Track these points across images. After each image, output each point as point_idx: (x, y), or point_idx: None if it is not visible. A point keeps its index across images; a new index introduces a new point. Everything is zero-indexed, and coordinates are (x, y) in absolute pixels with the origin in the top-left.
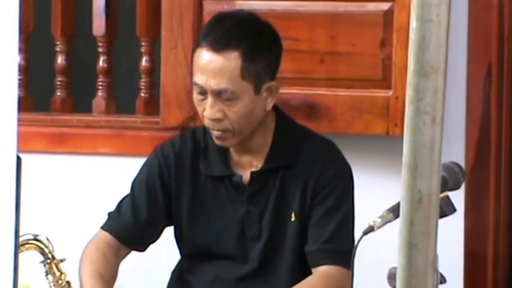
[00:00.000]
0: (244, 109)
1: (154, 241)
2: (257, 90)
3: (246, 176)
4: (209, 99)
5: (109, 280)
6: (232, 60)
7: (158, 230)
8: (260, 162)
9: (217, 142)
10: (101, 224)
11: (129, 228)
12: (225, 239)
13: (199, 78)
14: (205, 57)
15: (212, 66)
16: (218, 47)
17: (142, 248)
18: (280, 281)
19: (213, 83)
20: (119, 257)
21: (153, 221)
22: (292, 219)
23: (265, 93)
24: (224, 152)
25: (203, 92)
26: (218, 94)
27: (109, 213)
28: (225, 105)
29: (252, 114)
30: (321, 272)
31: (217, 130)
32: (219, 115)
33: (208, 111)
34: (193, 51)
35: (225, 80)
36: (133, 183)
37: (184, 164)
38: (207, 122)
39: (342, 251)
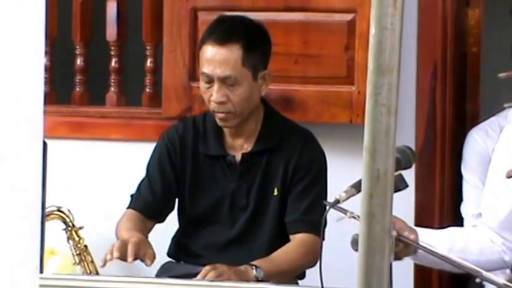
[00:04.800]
0: (244, 93)
1: (170, 211)
2: (255, 77)
3: (238, 156)
4: (215, 86)
5: (142, 232)
6: (234, 51)
7: (172, 201)
8: (250, 145)
9: (220, 123)
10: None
11: (150, 204)
12: (219, 209)
13: (206, 69)
14: (211, 50)
15: (218, 57)
16: (222, 41)
17: (162, 219)
18: (260, 246)
19: (219, 71)
20: (147, 228)
21: (167, 194)
22: (275, 193)
23: (260, 80)
24: (220, 136)
25: (209, 81)
26: (223, 80)
27: (131, 195)
28: (229, 90)
29: (250, 98)
30: (298, 239)
31: (222, 112)
32: (223, 99)
33: (214, 95)
34: (199, 49)
35: (229, 68)
36: (147, 166)
37: (186, 145)
38: (213, 106)
39: (316, 222)
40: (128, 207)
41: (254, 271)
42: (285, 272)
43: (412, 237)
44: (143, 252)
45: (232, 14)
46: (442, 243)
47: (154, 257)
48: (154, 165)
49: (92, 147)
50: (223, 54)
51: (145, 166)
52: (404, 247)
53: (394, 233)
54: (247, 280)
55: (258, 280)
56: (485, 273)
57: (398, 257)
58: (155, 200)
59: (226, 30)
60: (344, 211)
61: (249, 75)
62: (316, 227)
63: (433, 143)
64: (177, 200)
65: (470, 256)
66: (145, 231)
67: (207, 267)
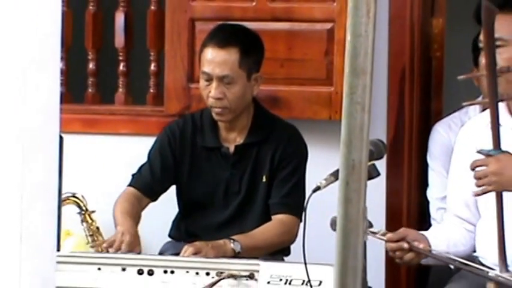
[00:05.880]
0: (239, 91)
1: (163, 192)
2: (248, 78)
3: (231, 148)
4: (214, 84)
5: (134, 218)
6: (232, 54)
7: (168, 184)
8: (242, 138)
9: (216, 117)
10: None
11: (148, 183)
12: (214, 194)
13: (207, 68)
14: (212, 53)
15: (217, 58)
16: (222, 44)
17: (155, 198)
18: (251, 226)
19: (218, 71)
20: (141, 205)
21: (164, 177)
22: (264, 180)
23: (253, 81)
24: (216, 130)
25: (209, 79)
26: (221, 79)
27: (133, 174)
28: (225, 88)
29: (244, 96)
30: (277, 219)
31: (218, 107)
32: (221, 95)
33: (213, 92)
34: (201, 51)
35: (227, 68)
36: (149, 152)
37: (186, 138)
38: (210, 102)
39: (294, 204)
40: (129, 185)
41: (232, 244)
42: (261, 248)
43: (423, 245)
44: (132, 247)
45: (232, 22)
46: (441, 242)
47: (140, 253)
48: (156, 151)
49: (103, 140)
50: (222, 56)
51: (144, 154)
52: (416, 255)
53: (406, 245)
54: (225, 252)
55: (235, 252)
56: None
57: (411, 264)
58: (154, 180)
59: (226, 36)
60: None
61: (244, 76)
62: (294, 209)
63: (402, 137)
64: (175, 186)
65: (460, 248)
66: (140, 209)
67: (186, 246)
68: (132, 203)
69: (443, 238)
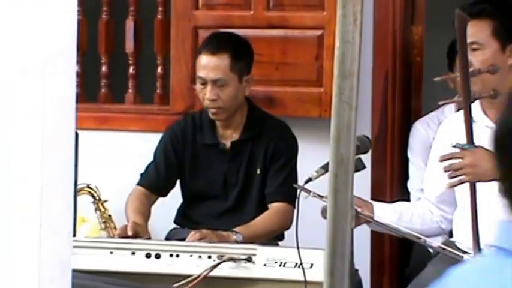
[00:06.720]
0: (231, 93)
1: (172, 188)
2: (240, 80)
3: (228, 144)
4: (208, 87)
5: (144, 215)
6: (224, 59)
7: (174, 180)
8: (237, 134)
9: (212, 117)
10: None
11: (155, 181)
12: (214, 186)
13: (201, 73)
14: (205, 59)
15: (211, 64)
16: (214, 51)
17: (165, 194)
18: (248, 214)
19: (212, 75)
20: (150, 202)
21: (169, 174)
22: (258, 172)
23: (244, 83)
24: (213, 128)
25: (204, 83)
26: (215, 82)
27: (141, 174)
28: (219, 90)
29: (236, 97)
30: (274, 207)
31: (213, 108)
32: (215, 97)
33: (208, 94)
34: (196, 58)
35: (220, 73)
36: (155, 152)
37: (187, 136)
38: (206, 103)
39: (289, 193)
40: (138, 184)
41: (235, 236)
42: (261, 236)
43: (366, 210)
44: (141, 234)
45: (224, 30)
46: (393, 214)
47: (148, 238)
48: (160, 151)
49: (114, 136)
50: (215, 62)
51: (150, 151)
52: (356, 220)
53: None
54: (228, 242)
55: (237, 243)
56: (426, 239)
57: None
58: (159, 178)
59: (218, 43)
60: (308, 191)
61: (235, 79)
62: (289, 197)
63: (385, 133)
64: (179, 180)
65: (415, 225)
66: (149, 205)
67: (192, 232)
68: (142, 201)
69: (396, 211)
